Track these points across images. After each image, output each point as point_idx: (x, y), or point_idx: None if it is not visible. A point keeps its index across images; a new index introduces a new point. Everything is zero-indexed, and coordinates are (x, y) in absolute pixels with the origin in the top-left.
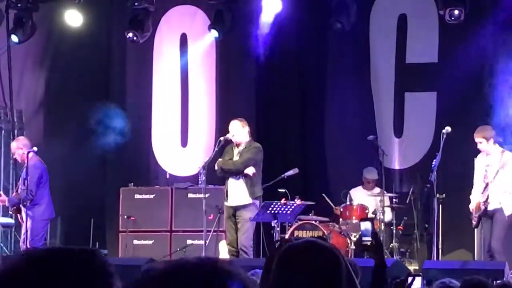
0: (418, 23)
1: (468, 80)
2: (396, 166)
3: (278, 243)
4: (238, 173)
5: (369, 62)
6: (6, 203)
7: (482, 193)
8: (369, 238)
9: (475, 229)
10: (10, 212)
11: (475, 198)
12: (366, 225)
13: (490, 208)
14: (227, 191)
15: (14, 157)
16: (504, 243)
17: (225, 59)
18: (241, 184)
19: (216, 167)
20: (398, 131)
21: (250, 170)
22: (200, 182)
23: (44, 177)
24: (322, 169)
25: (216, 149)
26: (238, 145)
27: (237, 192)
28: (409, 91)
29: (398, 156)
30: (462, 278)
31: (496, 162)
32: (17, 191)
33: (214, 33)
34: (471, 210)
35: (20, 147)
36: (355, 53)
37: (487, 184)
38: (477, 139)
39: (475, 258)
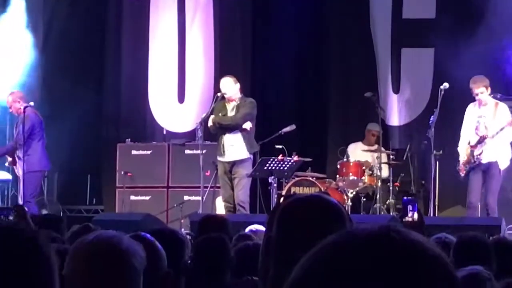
0: None
1: (465, 35)
2: (395, 122)
3: (282, 197)
4: (237, 127)
5: (368, 16)
6: None
7: (475, 145)
8: (412, 216)
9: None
10: (6, 164)
11: (464, 150)
12: (410, 203)
13: (484, 161)
14: (223, 147)
15: (10, 110)
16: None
17: (222, 14)
18: (239, 139)
19: (210, 124)
20: (396, 87)
21: (247, 125)
22: (197, 138)
23: (37, 129)
24: (320, 126)
25: (213, 105)
26: (230, 101)
27: (235, 147)
28: (406, 47)
29: (396, 112)
30: (458, 234)
31: (490, 113)
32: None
33: None
34: (461, 162)
35: (16, 100)
36: (355, 6)
37: (481, 137)
38: (478, 90)
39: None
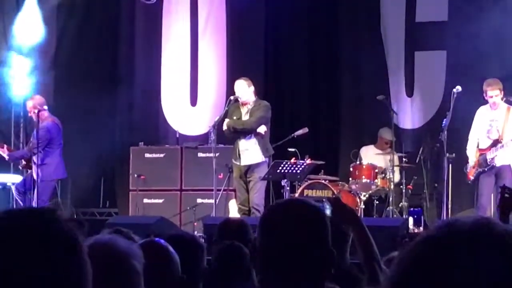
0: None
1: (478, 38)
2: (408, 126)
3: None
4: (251, 131)
5: (379, 20)
6: (6, 157)
7: (487, 149)
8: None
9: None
10: (20, 167)
11: (474, 153)
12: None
13: (497, 164)
14: (238, 151)
15: (30, 115)
16: None
17: (235, 17)
18: (254, 143)
19: (224, 128)
20: (409, 91)
21: (262, 129)
22: (210, 141)
23: (56, 138)
24: (332, 128)
25: (226, 108)
26: (244, 104)
27: (250, 152)
28: (419, 50)
29: (409, 115)
30: None
31: (502, 117)
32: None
33: None
34: (471, 165)
35: (36, 107)
36: (366, 10)
37: (495, 141)
38: (492, 92)
39: None
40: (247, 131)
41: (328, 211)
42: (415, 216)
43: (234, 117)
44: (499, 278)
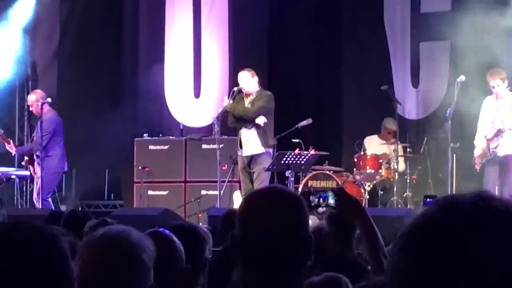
0: None
1: (481, 27)
2: (413, 116)
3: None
4: (249, 121)
5: (383, 11)
6: (14, 152)
7: (492, 138)
8: None
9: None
10: (23, 164)
11: (481, 143)
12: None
13: (500, 154)
14: (240, 141)
15: (31, 109)
16: None
17: (238, 8)
18: (253, 133)
19: (229, 113)
20: (415, 81)
21: (261, 120)
22: (214, 132)
23: (58, 130)
24: (336, 119)
25: (230, 100)
26: (248, 95)
27: (250, 142)
28: (424, 41)
29: (414, 106)
30: None
31: (506, 106)
32: (31, 142)
33: None
34: (476, 156)
35: (39, 99)
36: (369, 1)
37: (498, 130)
38: (493, 82)
39: None
40: (244, 120)
41: (332, 202)
42: None
43: (238, 106)
44: (507, 263)
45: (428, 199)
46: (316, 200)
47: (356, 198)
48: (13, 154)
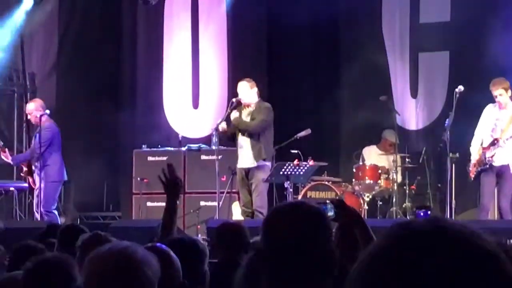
0: None
1: (480, 38)
2: (412, 126)
3: None
4: (252, 134)
5: (381, 21)
6: (11, 161)
7: (488, 147)
8: None
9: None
10: (21, 175)
11: (476, 150)
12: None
13: (496, 164)
14: (237, 153)
15: (29, 118)
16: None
17: (236, 18)
18: (249, 146)
19: (223, 126)
20: (414, 92)
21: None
22: (212, 143)
23: (56, 139)
24: (335, 130)
25: (228, 110)
26: (247, 106)
27: (246, 155)
28: (423, 51)
29: (413, 116)
30: None
31: (507, 117)
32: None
33: None
34: (472, 163)
35: (38, 108)
36: (367, 12)
37: (494, 139)
38: (496, 92)
39: (489, 217)
40: (248, 133)
41: (331, 213)
42: None
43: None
44: (458, 279)
45: (420, 211)
46: None
47: (355, 209)
48: (11, 163)
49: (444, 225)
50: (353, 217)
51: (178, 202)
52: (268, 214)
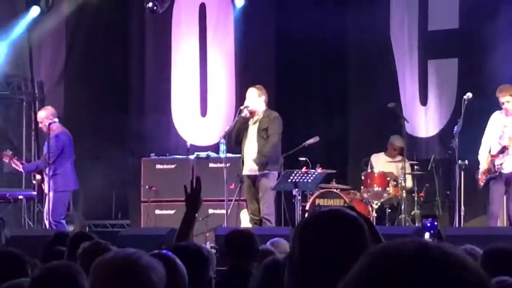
0: None
1: (488, 45)
2: (421, 134)
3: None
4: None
5: (389, 28)
6: (22, 170)
7: (497, 155)
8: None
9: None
10: (34, 182)
11: (485, 158)
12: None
13: (506, 171)
14: (243, 160)
15: (40, 126)
16: None
17: (244, 26)
18: (254, 155)
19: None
20: (423, 99)
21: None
22: (221, 151)
23: (67, 148)
24: (343, 137)
25: (236, 118)
26: (253, 113)
27: (251, 161)
28: (432, 59)
29: (423, 123)
30: (486, 247)
31: None
32: (40, 159)
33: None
34: (481, 170)
35: (49, 117)
36: (375, 19)
37: (503, 147)
38: (503, 98)
39: (498, 225)
40: (272, 153)
41: None
42: (431, 231)
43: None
44: None
45: (427, 220)
46: None
47: (366, 217)
48: (22, 171)
49: (427, 254)
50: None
51: (196, 215)
52: (304, 220)
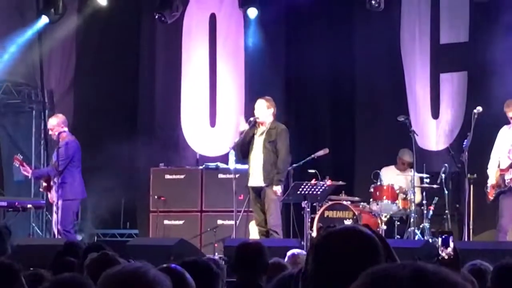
0: (449, 2)
1: (498, 58)
2: (432, 147)
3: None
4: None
5: (399, 42)
6: (30, 175)
7: (507, 169)
8: (448, 252)
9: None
10: (40, 190)
11: (494, 173)
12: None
13: None
14: (249, 172)
15: (51, 133)
16: None
17: (254, 37)
18: (260, 166)
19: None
20: (435, 113)
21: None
22: (230, 162)
23: (76, 156)
24: (353, 150)
25: (246, 129)
26: (260, 124)
27: (257, 173)
28: (443, 72)
29: (434, 137)
30: (496, 262)
31: None
32: (49, 165)
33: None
34: (491, 184)
35: (60, 124)
36: (385, 33)
37: None
38: (511, 113)
39: (507, 239)
40: (287, 163)
41: None
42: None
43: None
44: None
45: (443, 236)
46: None
47: (380, 234)
48: (29, 177)
49: (424, 279)
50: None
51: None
52: (320, 237)
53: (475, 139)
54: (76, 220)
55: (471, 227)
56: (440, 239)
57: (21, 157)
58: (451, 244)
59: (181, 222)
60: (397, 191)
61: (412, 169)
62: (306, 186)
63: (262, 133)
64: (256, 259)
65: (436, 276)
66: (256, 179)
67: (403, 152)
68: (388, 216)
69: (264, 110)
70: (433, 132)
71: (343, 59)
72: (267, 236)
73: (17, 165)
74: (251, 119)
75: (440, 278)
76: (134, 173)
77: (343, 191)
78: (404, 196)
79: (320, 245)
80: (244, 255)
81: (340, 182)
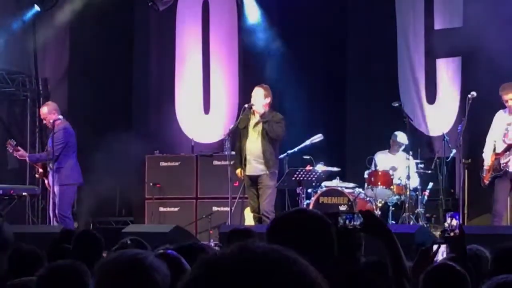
0: None
1: (492, 43)
2: (428, 132)
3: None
4: (276, 136)
5: (395, 27)
6: (27, 158)
7: (502, 153)
8: (453, 228)
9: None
10: (36, 176)
11: (489, 157)
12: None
13: (511, 169)
14: (245, 160)
15: (45, 122)
16: None
17: (248, 23)
18: (259, 155)
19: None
20: (431, 98)
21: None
22: (225, 149)
23: (71, 141)
24: (347, 135)
25: (241, 116)
26: (256, 112)
27: (254, 163)
28: (438, 57)
29: (430, 122)
30: (494, 247)
31: None
32: (44, 151)
33: None
34: (486, 169)
35: (52, 112)
36: (378, 19)
37: (509, 145)
38: (507, 96)
39: (502, 223)
40: (273, 135)
41: (357, 222)
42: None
43: (241, 124)
44: None
45: (450, 213)
46: (342, 221)
47: (382, 221)
48: (27, 160)
49: (248, 256)
50: (381, 229)
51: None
52: (271, 222)
53: (469, 124)
54: (73, 208)
55: (465, 212)
56: (448, 217)
57: (14, 142)
58: (456, 222)
59: (176, 209)
60: (392, 176)
61: (404, 152)
62: (301, 172)
63: (258, 123)
64: None
65: (261, 252)
66: (253, 167)
67: (396, 134)
68: (383, 202)
69: (261, 99)
70: (428, 117)
71: (337, 46)
72: (261, 222)
73: (11, 151)
74: (246, 105)
75: (264, 253)
76: (129, 160)
77: (337, 177)
78: (399, 181)
79: (271, 228)
80: (234, 242)
81: (335, 168)
